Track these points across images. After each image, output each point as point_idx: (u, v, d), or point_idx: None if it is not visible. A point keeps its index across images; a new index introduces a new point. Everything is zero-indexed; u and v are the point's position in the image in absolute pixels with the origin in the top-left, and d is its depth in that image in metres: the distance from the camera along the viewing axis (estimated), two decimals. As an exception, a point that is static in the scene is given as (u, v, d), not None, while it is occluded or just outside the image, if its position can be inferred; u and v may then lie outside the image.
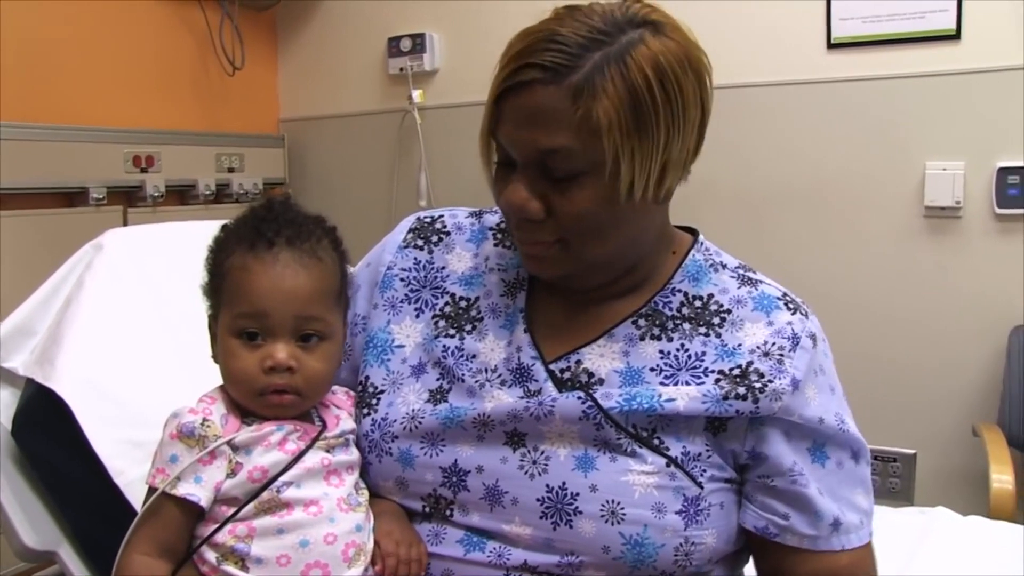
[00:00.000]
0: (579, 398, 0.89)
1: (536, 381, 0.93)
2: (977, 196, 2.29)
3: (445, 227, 1.09)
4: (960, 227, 2.33)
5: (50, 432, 1.21)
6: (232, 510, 0.85)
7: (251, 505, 0.85)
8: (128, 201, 2.61)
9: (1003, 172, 2.24)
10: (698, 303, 0.95)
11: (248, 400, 0.89)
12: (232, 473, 0.86)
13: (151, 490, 0.85)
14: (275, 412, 0.90)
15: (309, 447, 0.89)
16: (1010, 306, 2.26)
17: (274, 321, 0.88)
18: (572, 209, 0.87)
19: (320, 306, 0.91)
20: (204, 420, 0.86)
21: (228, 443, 0.86)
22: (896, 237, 2.40)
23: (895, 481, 2.44)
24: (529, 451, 0.90)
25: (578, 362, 0.94)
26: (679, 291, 0.96)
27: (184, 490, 0.84)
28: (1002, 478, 1.87)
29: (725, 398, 0.88)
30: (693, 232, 1.03)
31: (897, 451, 2.44)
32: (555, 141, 0.84)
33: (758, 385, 0.88)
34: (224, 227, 0.96)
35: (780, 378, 0.89)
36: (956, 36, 2.28)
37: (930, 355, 2.38)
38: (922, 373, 2.39)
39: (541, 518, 0.87)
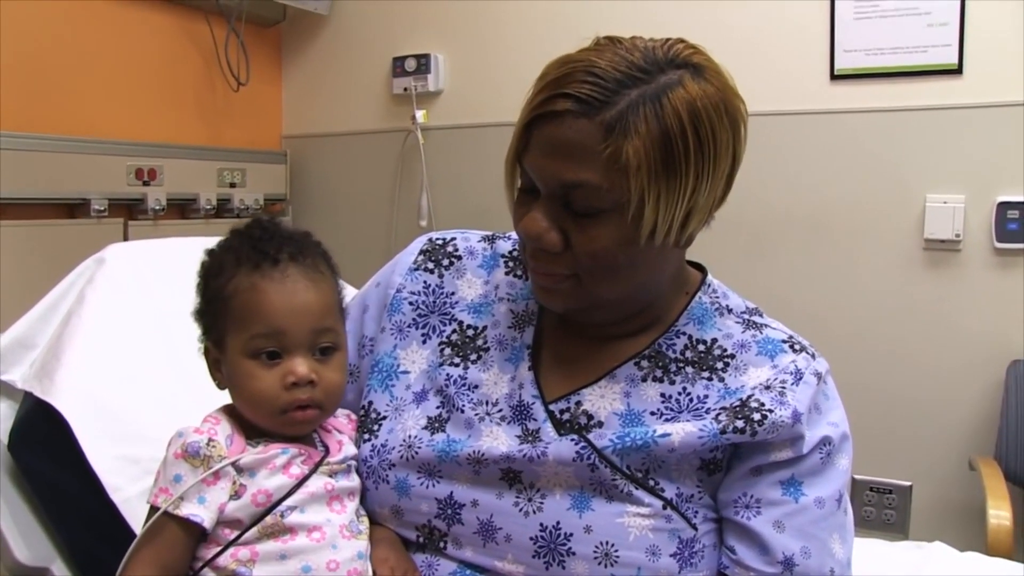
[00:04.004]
0: (572, 440, 0.88)
1: (535, 421, 0.92)
2: (977, 230, 2.30)
3: (457, 251, 1.08)
4: (959, 260, 2.33)
5: (47, 446, 1.20)
6: (235, 533, 0.84)
7: (254, 529, 0.84)
8: (129, 214, 2.60)
9: (1003, 206, 2.25)
10: (701, 347, 0.94)
11: (269, 420, 0.88)
12: (236, 495, 0.85)
13: (153, 509, 0.84)
14: (296, 429, 0.89)
15: (313, 472, 0.88)
16: (1008, 340, 2.27)
17: (291, 338, 0.88)
18: (589, 246, 0.85)
19: (331, 318, 0.92)
20: (210, 440, 0.85)
21: (233, 464, 0.85)
22: (895, 269, 2.41)
23: (890, 513, 2.43)
24: (525, 488, 0.89)
25: (578, 403, 0.92)
26: (684, 334, 0.95)
27: (187, 510, 0.83)
28: (1000, 514, 1.86)
29: (723, 432, 0.86)
30: (702, 270, 1.01)
31: (893, 483, 2.43)
32: (580, 176, 0.82)
33: (757, 417, 0.86)
34: (212, 252, 0.93)
35: (781, 409, 0.86)
36: (958, 71, 2.30)
37: (927, 387, 2.37)
38: (919, 405, 2.38)
39: (534, 557, 0.86)
